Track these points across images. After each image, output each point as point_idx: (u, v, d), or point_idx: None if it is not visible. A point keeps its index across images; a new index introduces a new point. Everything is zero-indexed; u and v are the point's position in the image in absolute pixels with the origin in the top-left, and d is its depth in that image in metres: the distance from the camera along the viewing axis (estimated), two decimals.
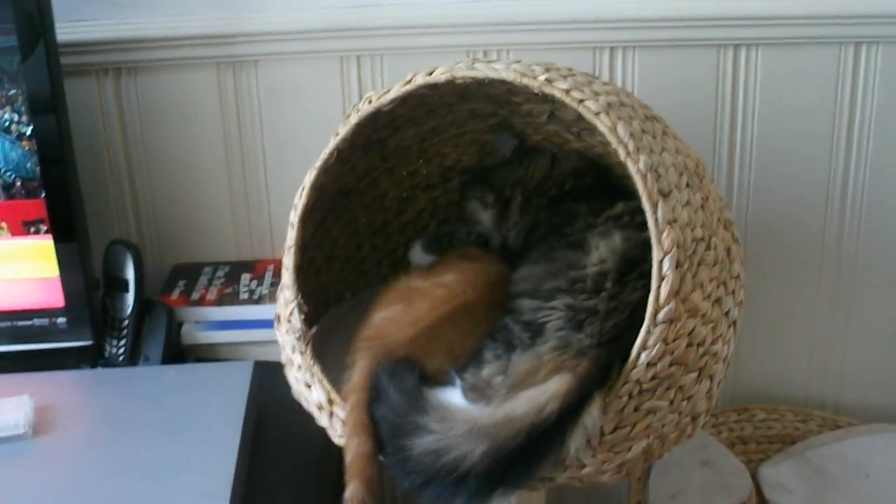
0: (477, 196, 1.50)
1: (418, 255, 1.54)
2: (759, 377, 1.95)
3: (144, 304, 1.70)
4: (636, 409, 1.14)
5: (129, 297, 1.68)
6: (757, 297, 1.74)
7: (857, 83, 1.72)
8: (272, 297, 1.71)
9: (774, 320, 1.90)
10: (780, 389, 1.96)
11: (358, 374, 1.24)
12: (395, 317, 1.30)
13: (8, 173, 1.55)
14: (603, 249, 1.24)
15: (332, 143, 1.29)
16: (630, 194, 1.33)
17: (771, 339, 1.91)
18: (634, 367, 1.11)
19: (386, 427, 1.18)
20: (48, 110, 1.53)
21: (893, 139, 1.75)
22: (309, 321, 1.32)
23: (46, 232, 1.58)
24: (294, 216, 1.32)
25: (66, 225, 1.59)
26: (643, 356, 1.11)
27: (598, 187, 1.42)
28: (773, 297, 1.87)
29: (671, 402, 1.16)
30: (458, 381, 1.22)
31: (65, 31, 1.61)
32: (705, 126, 1.77)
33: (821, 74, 1.73)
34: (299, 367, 1.31)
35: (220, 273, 1.84)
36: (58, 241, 1.59)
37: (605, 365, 1.13)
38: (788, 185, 1.80)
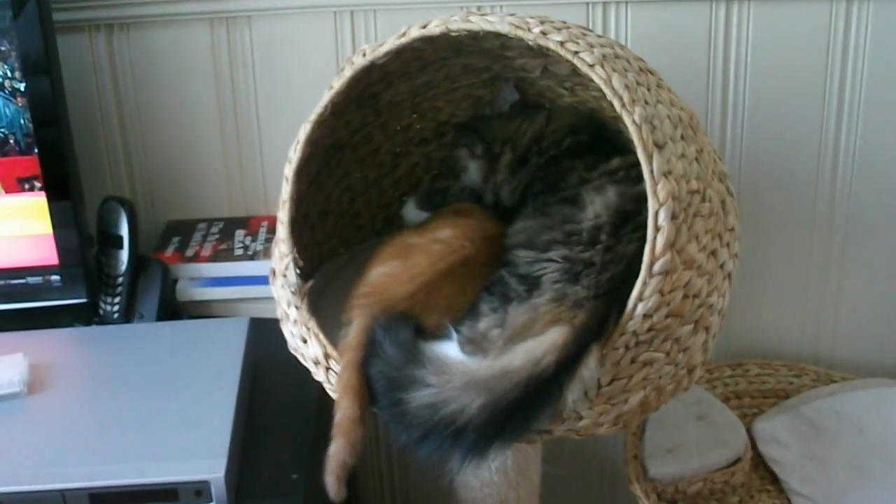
0: (466, 144, 1.49)
1: (411, 211, 1.54)
2: (752, 332, 1.96)
3: (139, 261, 1.70)
4: (633, 361, 1.14)
5: (124, 254, 1.68)
6: (750, 252, 1.74)
7: (849, 38, 1.72)
8: (266, 254, 1.71)
9: (768, 275, 1.90)
10: (773, 344, 1.97)
11: (354, 331, 1.24)
12: (392, 272, 1.30)
13: (1, 130, 1.54)
14: (598, 204, 1.24)
15: (327, 96, 1.29)
16: (625, 149, 1.34)
17: (765, 295, 1.92)
18: (631, 318, 1.12)
19: (382, 381, 1.18)
20: (41, 67, 1.52)
21: (884, 93, 1.75)
22: (304, 276, 1.32)
23: (41, 189, 1.58)
24: (289, 170, 1.31)
25: (59, 182, 1.58)
26: (640, 307, 1.11)
27: (594, 144, 1.42)
28: (767, 251, 1.87)
29: (667, 354, 1.16)
30: (454, 335, 1.22)
31: None
32: (698, 80, 1.77)
33: (813, 29, 1.72)
34: (295, 321, 1.31)
35: (215, 229, 1.84)
36: (51, 199, 1.58)
37: (601, 316, 1.13)
38: (781, 140, 1.80)
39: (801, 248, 1.87)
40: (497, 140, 1.47)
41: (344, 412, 1.18)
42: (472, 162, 1.49)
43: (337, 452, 1.16)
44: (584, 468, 2.10)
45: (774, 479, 1.75)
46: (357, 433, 1.17)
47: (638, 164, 1.13)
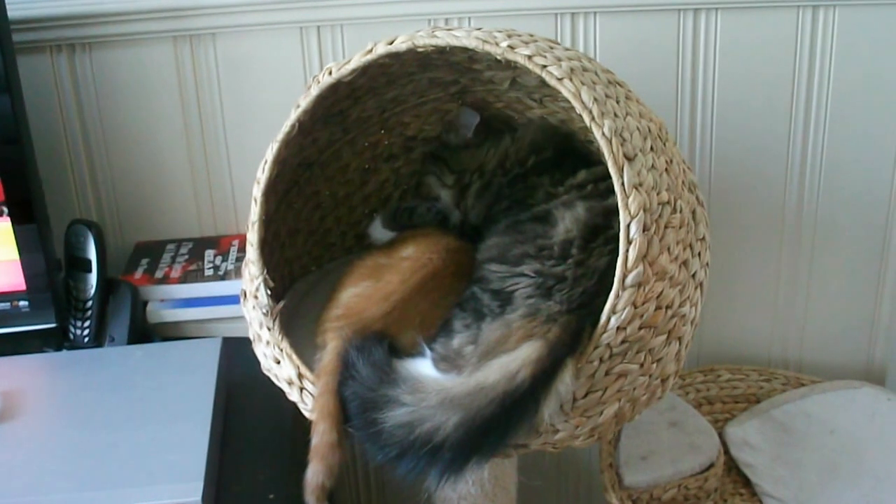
0: (436, 173, 1.51)
1: (378, 230, 1.55)
2: (723, 338, 1.97)
3: (108, 284, 1.69)
4: (607, 373, 1.15)
5: (92, 278, 1.67)
6: (719, 259, 1.75)
7: (815, 46, 1.73)
8: (237, 273, 1.70)
9: (737, 281, 1.91)
10: (743, 349, 1.98)
11: (328, 355, 1.24)
12: (365, 293, 1.30)
13: None
14: (568, 220, 1.24)
15: (294, 115, 1.29)
16: (592, 160, 1.34)
17: (734, 301, 1.93)
18: (605, 331, 1.12)
19: (357, 402, 1.18)
20: (1, 89, 1.50)
21: (851, 100, 1.76)
22: (275, 296, 1.31)
23: (7, 214, 1.56)
24: (257, 190, 1.31)
25: (24, 206, 1.56)
26: (613, 320, 1.11)
27: (560, 157, 1.42)
28: (735, 258, 1.89)
29: (641, 365, 1.17)
30: (428, 352, 1.22)
31: (16, 8, 1.59)
32: (666, 90, 1.77)
33: (779, 38, 1.73)
34: (268, 342, 1.30)
35: (184, 250, 1.83)
36: (16, 223, 1.56)
37: (575, 330, 1.13)
38: (749, 148, 1.81)
39: (770, 254, 1.89)
40: (466, 171, 1.48)
41: (321, 437, 1.18)
42: (443, 191, 1.50)
43: (314, 475, 1.17)
44: (560, 478, 2.10)
45: (747, 482, 1.76)
46: (335, 458, 1.17)
47: (605, 177, 1.14)
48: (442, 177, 1.50)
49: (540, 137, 1.46)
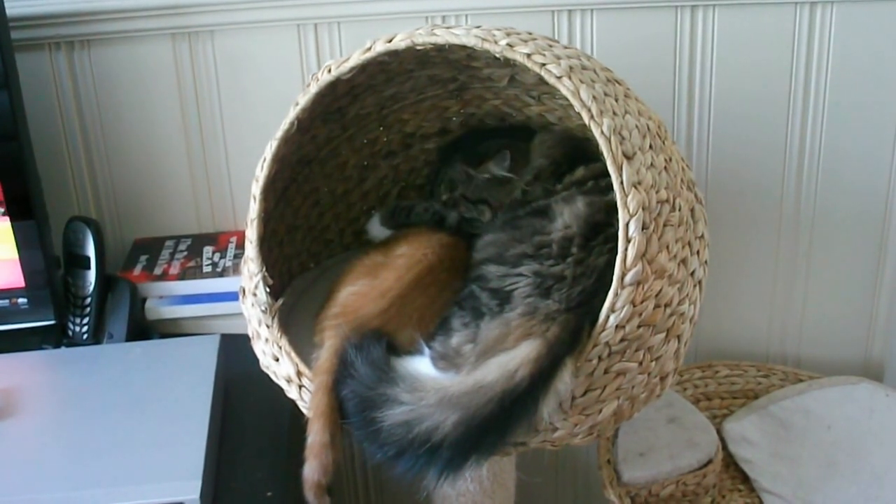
0: (475, 216, 1.48)
1: (375, 227, 1.55)
2: (721, 334, 1.97)
3: (106, 281, 1.69)
4: (606, 372, 1.15)
5: (91, 275, 1.66)
6: (717, 255, 1.75)
7: (813, 42, 1.73)
8: (236, 270, 1.70)
9: (735, 277, 1.91)
10: (742, 345, 1.98)
11: (325, 354, 1.24)
12: (362, 291, 1.30)
13: None
14: (567, 215, 1.24)
15: (293, 113, 1.28)
16: (591, 157, 1.34)
17: (732, 297, 1.93)
18: (604, 329, 1.12)
19: (355, 401, 1.18)
20: (0, 86, 1.50)
21: (848, 96, 1.77)
22: (274, 293, 1.31)
23: (5, 213, 1.56)
24: (256, 188, 1.31)
25: (23, 203, 1.56)
26: (612, 318, 1.11)
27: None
28: (733, 254, 1.89)
29: (640, 364, 1.17)
30: (427, 351, 1.22)
31: (15, 5, 1.59)
32: (664, 87, 1.77)
33: (777, 34, 1.73)
34: (266, 340, 1.30)
35: (182, 247, 1.83)
36: (15, 220, 1.56)
37: (574, 329, 1.13)
38: (747, 144, 1.81)
39: (768, 249, 1.89)
40: (503, 205, 1.45)
41: (315, 436, 1.19)
42: (482, 219, 1.48)
43: (311, 473, 1.18)
44: (559, 474, 2.10)
45: (745, 478, 1.77)
46: (328, 457, 1.18)
47: (605, 174, 1.14)
48: (481, 216, 1.48)
49: (558, 152, 1.45)
